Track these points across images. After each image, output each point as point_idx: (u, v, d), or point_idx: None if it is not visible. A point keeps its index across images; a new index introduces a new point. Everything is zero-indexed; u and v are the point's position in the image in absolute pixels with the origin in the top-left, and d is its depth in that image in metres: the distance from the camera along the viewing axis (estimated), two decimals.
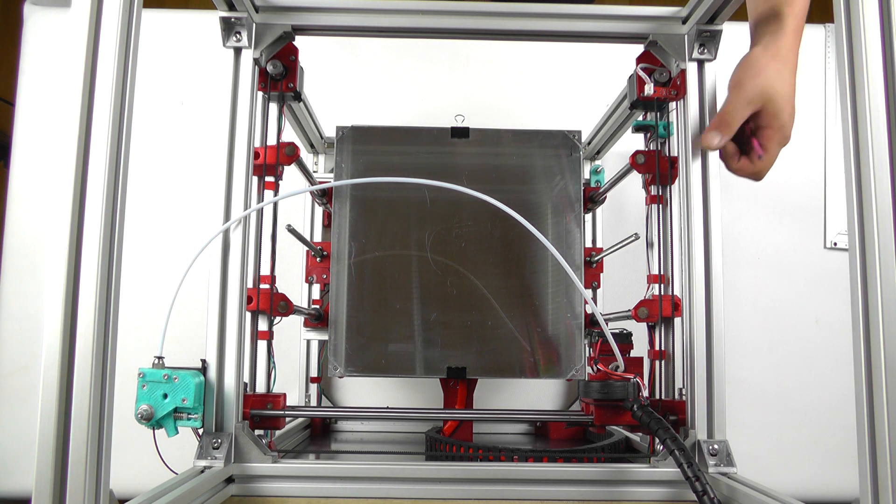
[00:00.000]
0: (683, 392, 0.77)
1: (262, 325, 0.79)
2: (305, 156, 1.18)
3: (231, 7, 0.76)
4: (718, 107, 0.79)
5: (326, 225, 1.18)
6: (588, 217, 1.19)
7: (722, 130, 0.73)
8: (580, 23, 0.82)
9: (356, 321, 0.90)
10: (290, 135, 0.98)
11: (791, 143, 0.74)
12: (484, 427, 1.15)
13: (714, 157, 0.78)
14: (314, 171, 1.20)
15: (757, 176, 0.75)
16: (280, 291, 0.81)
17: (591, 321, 0.93)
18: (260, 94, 0.81)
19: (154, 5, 1.26)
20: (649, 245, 0.86)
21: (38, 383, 0.43)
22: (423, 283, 0.91)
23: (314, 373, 1.16)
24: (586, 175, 1.17)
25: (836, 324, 1.26)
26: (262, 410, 0.77)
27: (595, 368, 0.80)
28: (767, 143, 0.73)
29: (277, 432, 0.92)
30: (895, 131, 0.43)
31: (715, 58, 0.80)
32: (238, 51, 0.78)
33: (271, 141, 0.83)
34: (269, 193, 0.82)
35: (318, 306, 1.11)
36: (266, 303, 0.79)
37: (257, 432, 0.77)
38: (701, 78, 0.79)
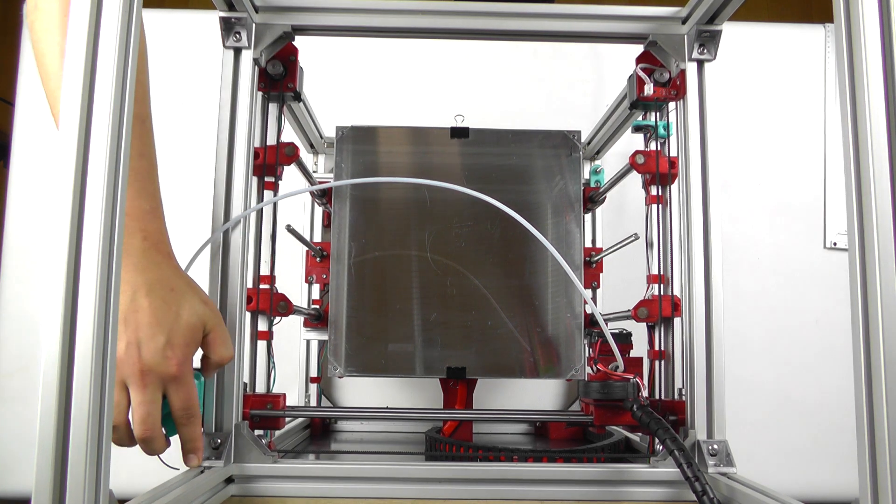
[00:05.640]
0: (683, 392, 0.77)
1: (262, 325, 0.79)
2: (305, 156, 1.17)
3: (231, 7, 0.76)
4: (718, 107, 0.79)
5: (326, 225, 1.18)
6: (588, 217, 1.19)
7: None
8: (580, 23, 0.82)
9: (356, 321, 0.90)
10: (289, 135, 0.98)
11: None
12: (484, 427, 1.15)
13: (714, 157, 0.78)
14: (314, 171, 1.20)
15: None
16: (280, 291, 0.81)
17: (590, 321, 0.93)
18: (260, 94, 0.81)
19: (154, 5, 1.26)
20: (649, 245, 0.86)
21: (37, 383, 0.42)
22: (422, 283, 0.91)
23: (314, 373, 1.16)
24: (586, 175, 1.17)
25: (836, 324, 1.26)
26: (261, 410, 0.77)
27: (595, 368, 0.80)
28: None
29: (277, 432, 0.92)
30: (895, 131, 0.43)
31: (715, 58, 0.80)
32: (238, 51, 0.78)
33: (271, 141, 0.83)
34: (268, 193, 0.82)
35: (318, 306, 1.11)
36: (266, 303, 0.79)
37: (257, 432, 0.77)
38: (701, 78, 0.79)
